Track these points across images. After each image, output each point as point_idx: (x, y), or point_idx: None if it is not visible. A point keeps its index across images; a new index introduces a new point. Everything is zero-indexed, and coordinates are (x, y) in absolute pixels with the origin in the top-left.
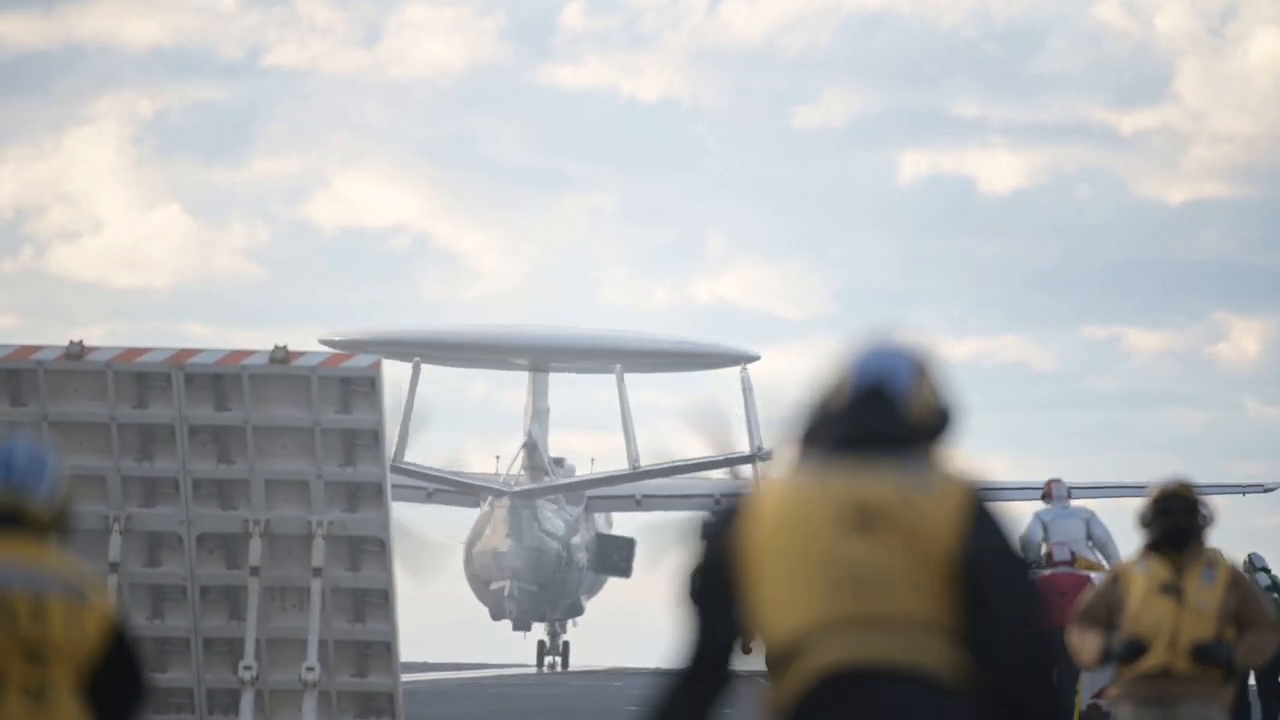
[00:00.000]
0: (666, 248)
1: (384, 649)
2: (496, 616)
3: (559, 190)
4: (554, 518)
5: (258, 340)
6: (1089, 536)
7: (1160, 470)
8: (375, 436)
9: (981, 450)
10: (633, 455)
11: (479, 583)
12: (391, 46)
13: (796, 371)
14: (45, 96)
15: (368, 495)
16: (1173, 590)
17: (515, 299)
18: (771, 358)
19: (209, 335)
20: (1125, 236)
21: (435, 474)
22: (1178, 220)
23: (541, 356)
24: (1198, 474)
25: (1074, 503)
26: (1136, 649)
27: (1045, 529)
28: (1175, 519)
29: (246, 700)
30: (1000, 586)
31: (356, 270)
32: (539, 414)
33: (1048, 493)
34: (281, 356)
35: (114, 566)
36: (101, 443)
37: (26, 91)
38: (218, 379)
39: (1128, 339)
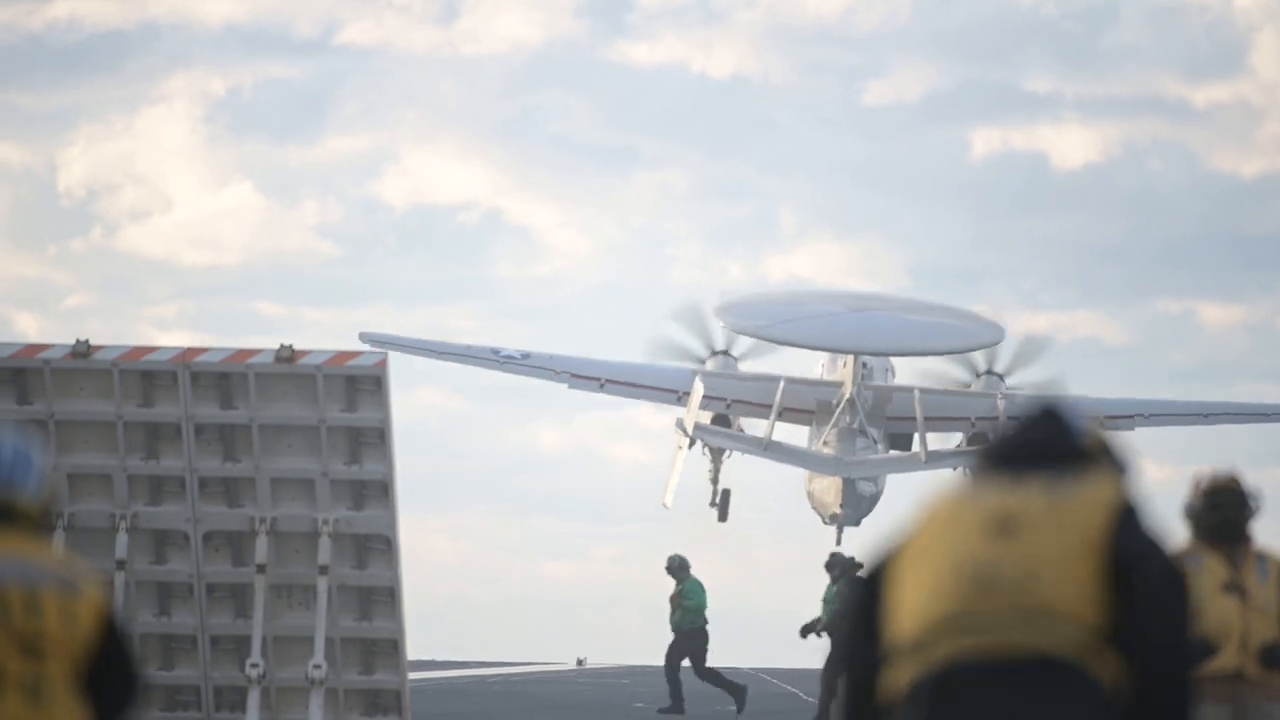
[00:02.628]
0: (739, 225)
1: (390, 647)
2: (827, 525)
3: (631, 167)
4: (870, 453)
5: (330, 318)
6: None
7: (1236, 446)
8: (381, 434)
9: None
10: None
11: (814, 505)
12: (466, 24)
13: None
14: (118, 75)
15: (374, 493)
16: (1235, 589)
17: (588, 276)
18: None
19: (280, 313)
20: (1198, 210)
21: (793, 449)
22: (1251, 193)
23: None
24: (1274, 448)
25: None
26: (1205, 650)
27: None
28: (1226, 512)
29: (253, 698)
30: (1148, 592)
31: (428, 247)
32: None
33: None
34: (287, 355)
35: (120, 564)
36: (108, 441)
37: (99, 70)
38: (223, 377)
39: (1200, 312)
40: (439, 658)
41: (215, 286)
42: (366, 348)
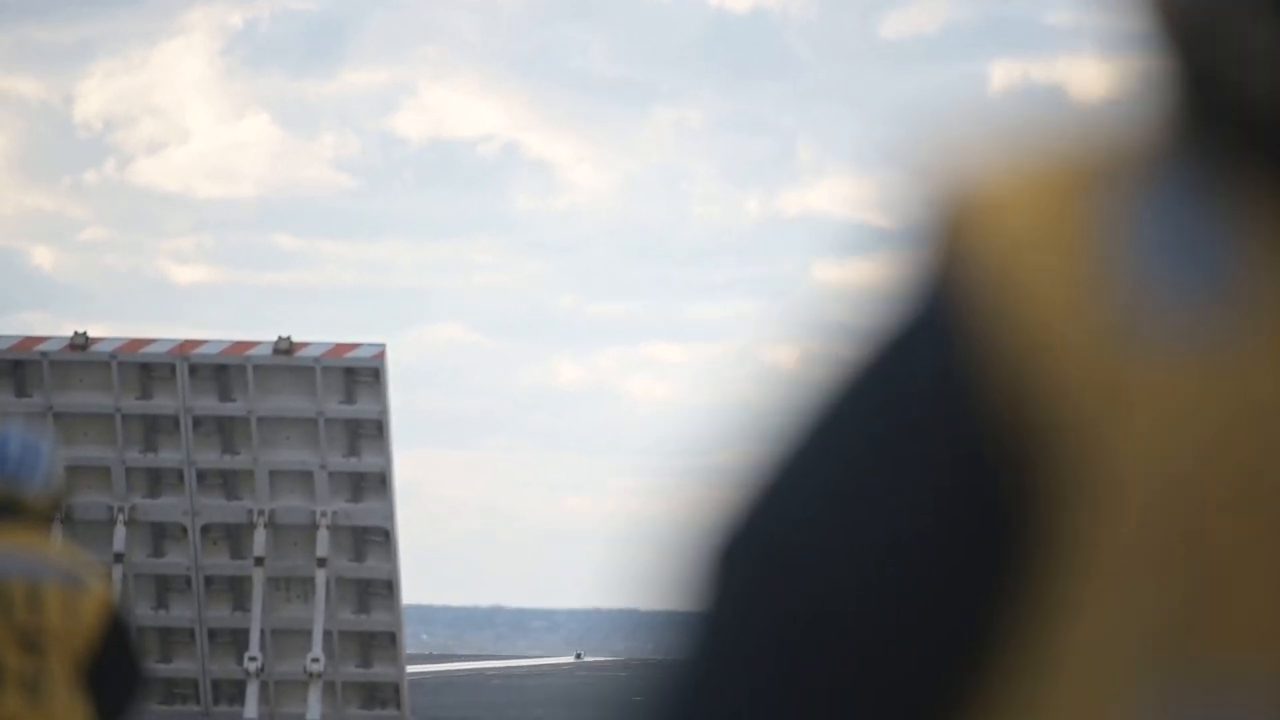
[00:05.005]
0: (757, 159)
1: (389, 640)
2: None
3: (649, 102)
4: None
5: (347, 251)
6: None
7: None
8: (380, 426)
9: None
10: None
11: None
12: None
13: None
14: (136, 9)
15: (372, 485)
16: None
17: (606, 210)
18: (865, 267)
19: (297, 247)
20: None
21: None
22: None
23: None
24: None
25: None
26: None
27: None
28: None
29: (251, 691)
30: None
31: (446, 181)
32: None
33: None
34: (286, 347)
35: (118, 557)
36: (106, 434)
37: (118, 4)
38: (221, 370)
39: None
40: (437, 651)
41: (232, 219)
42: (366, 340)
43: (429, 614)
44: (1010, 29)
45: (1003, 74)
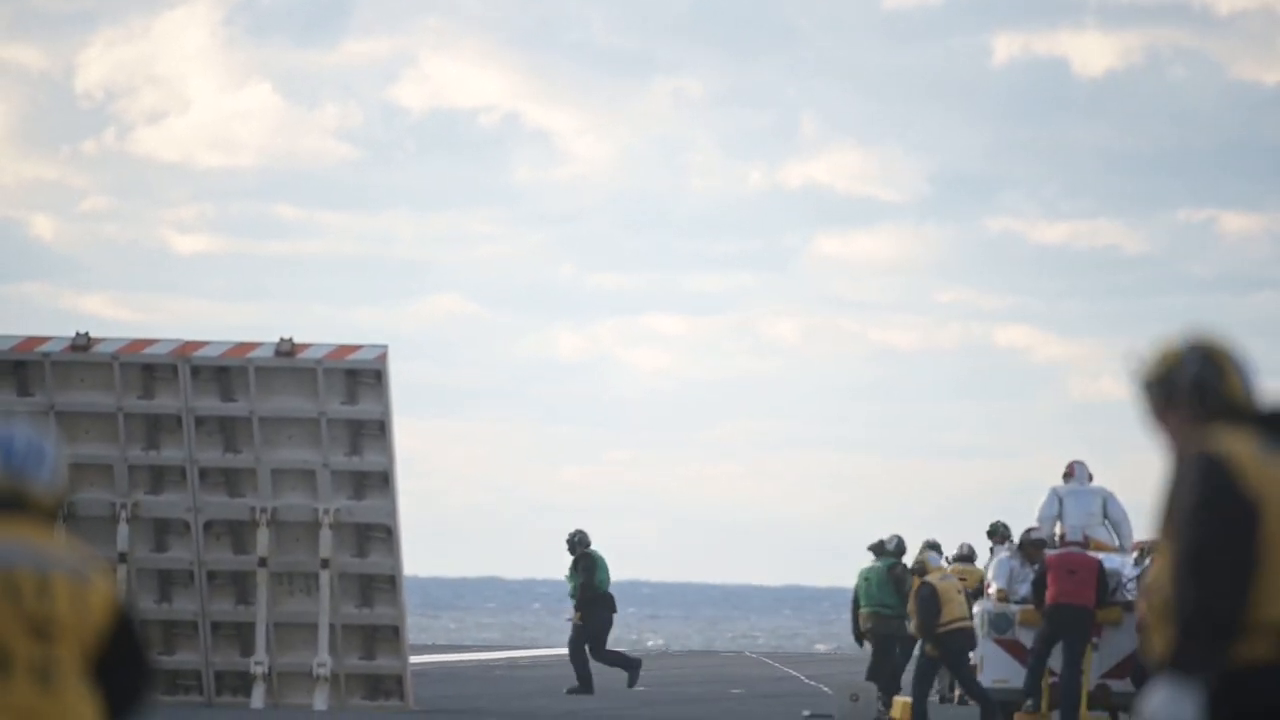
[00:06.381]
0: (758, 131)
1: (392, 633)
2: None
3: (649, 73)
4: None
5: (348, 222)
6: (1105, 515)
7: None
8: (381, 426)
9: (1074, 335)
10: None
11: None
12: None
13: (892, 254)
14: None
15: (374, 484)
16: None
17: (606, 180)
18: (866, 240)
19: (298, 217)
20: (1220, 119)
21: None
22: (1274, 102)
23: None
24: None
25: (1095, 483)
26: None
27: (1061, 503)
28: None
29: (258, 691)
30: None
31: (446, 151)
32: None
33: (1069, 472)
34: (287, 349)
35: (123, 556)
36: (108, 432)
37: None
38: (223, 371)
39: (1222, 222)
40: (439, 642)
41: (233, 189)
42: (368, 341)
43: (424, 585)
44: (1013, 1)
45: (1005, 47)
